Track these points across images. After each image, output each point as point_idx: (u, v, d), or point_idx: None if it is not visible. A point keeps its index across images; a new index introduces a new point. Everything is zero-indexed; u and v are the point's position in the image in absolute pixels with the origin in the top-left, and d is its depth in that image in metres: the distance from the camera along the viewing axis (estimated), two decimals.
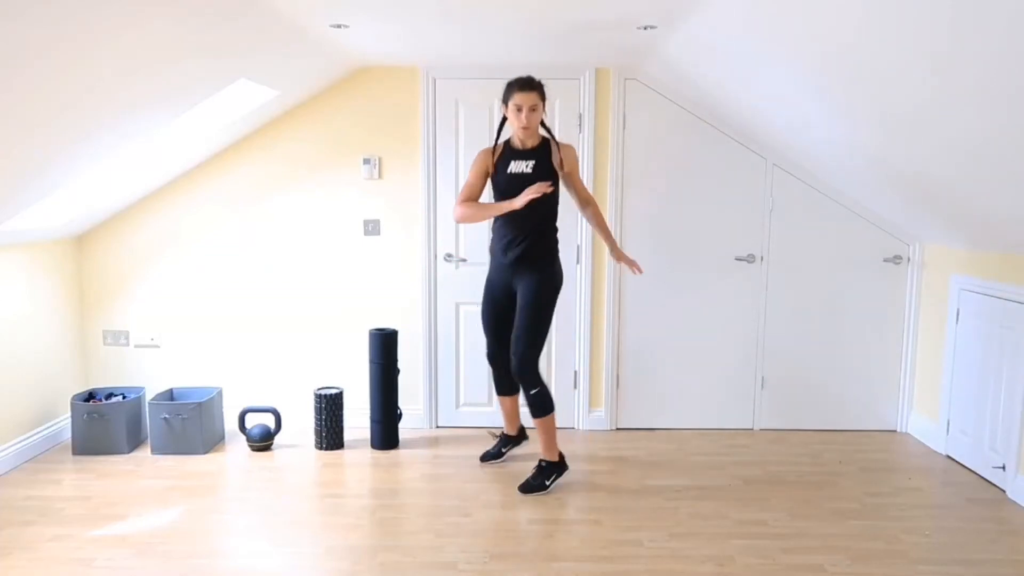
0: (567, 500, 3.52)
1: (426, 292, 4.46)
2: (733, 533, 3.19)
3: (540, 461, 3.63)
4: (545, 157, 3.51)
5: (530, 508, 3.43)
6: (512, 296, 3.61)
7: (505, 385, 3.81)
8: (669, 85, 4.26)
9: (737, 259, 4.45)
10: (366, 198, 4.42)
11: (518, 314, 3.54)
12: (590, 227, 4.27)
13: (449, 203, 4.39)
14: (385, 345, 4.16)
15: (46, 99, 2.58)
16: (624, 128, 4.34)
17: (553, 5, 2.86)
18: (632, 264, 3.68)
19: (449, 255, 4.44)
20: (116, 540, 3.09)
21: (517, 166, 3.49)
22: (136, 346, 4.52)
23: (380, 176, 4.40)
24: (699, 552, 3.02)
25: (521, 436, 4.04)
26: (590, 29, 3.29)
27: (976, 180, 2.98)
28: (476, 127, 4.34)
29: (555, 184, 3.50)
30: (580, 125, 4.33)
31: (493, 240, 3.67)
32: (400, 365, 4.36)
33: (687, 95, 4.26)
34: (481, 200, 3.59)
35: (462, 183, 4.35)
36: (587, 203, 3.71)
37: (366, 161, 4.37)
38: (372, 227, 4.43)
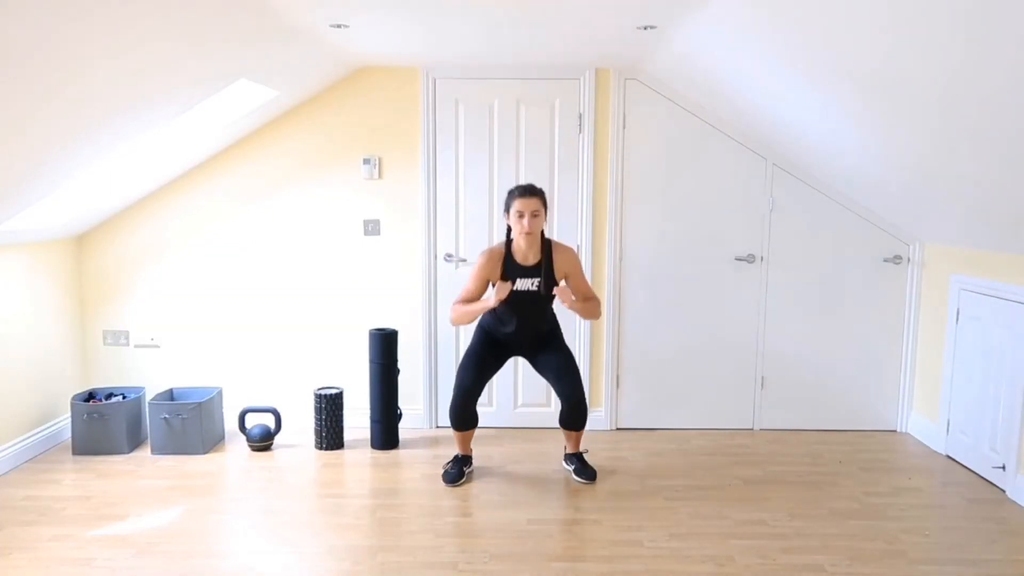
0: (567, 500, 3.52)
1: (426, 292, 4.46)
2: (733, 533, 3.19)
3: (582, 452, 3.87)
4: (548, 272, 3.54)
5: (530, 508, 3.43)
6: (508, 356, 3.75)
7: (473, 419, 3.73)
8: (669, 85, 4.26)
9: (737, 259, 4.45)
10: (366, 198, 4.42)
11: (563, 367, 3.64)
12: (591, 227, 4.32)
13: (449, 203, 4.39)
14: (385, 345, 4.16)
15: (47, 99, 2.58)
16: (624, 128, 4.34)
17: (553, 5, 2.86)
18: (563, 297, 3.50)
19: (449, 255, 4.44)
20: (116, 540, 3.09)
21: (523, 284, 3.53)
22: (136, 346, 4.52)
23: (380, 176, 4.40)
24: (699, 552, 3.02)
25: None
26: (590, 29, 3.29)
27: (980, 181, 2.98)
28: (476, 127, 4.34)
29: (552, 298, 3.59)
30: (580, 125, 4.33)
31: (499, 331, 3.64)
32: (400, 365, 4.37)
33: (687, 95, 4.26)
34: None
35: (462, 183, 4.37)
36: (586, 300, 3.61)
37: (366, 161, 4.37)
38: (372, 227, 4.43)
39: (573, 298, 3.48)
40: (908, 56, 2.35)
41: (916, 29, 2.17)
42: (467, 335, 4.48)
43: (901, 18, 2.16)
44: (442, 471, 3.79)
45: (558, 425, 3.90)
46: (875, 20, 2.25)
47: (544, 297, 3.58)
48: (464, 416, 3.70)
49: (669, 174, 4.38)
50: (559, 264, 3.57)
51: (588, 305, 3.59)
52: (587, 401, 3.72)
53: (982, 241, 3.68)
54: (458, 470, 3.74)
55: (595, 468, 3.80)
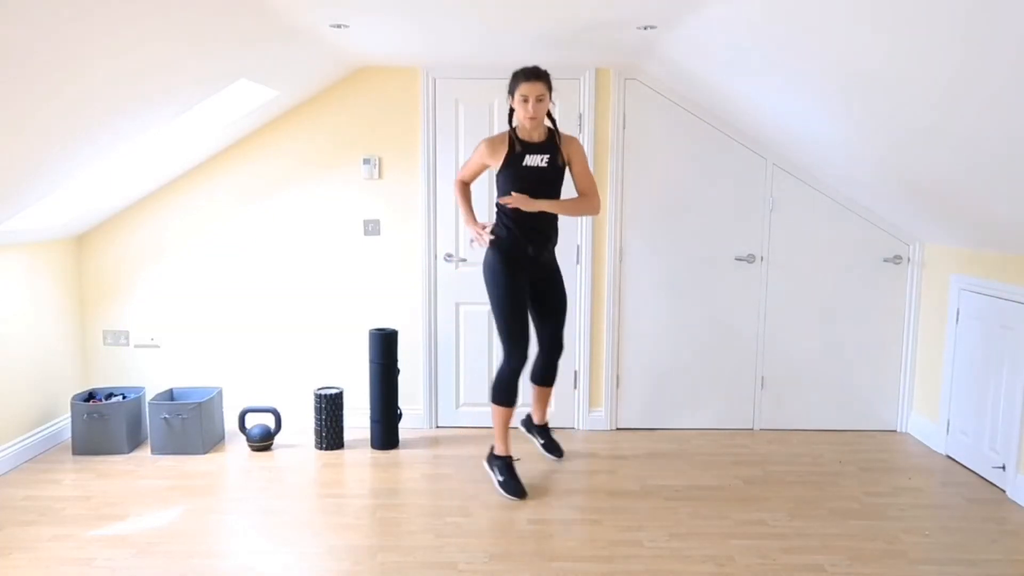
0: (567, 500, 3.52)
1: (426, 292, 4.46)
2: (733, 533, 3.19)
3: (547, 425, 3.94)
4: (555, 150, 3.52)
5: (530, 508, 3.43)
6: (527, 279, 3.62)
7: (517, 391, 3.65)
8: (669, 85, 4.26)
9: (737, 259, 4.45)
10: (366, 198, 4.42)
11: (557, 306, 3.68)
12: (590, 222, 4.33)
13: (449, 203, 4.39)
14: (385, 345, 4.16)
15: (47, 99, 2.58)
16: (624, 128, 4.33)
17: (553, 5, 2.86)
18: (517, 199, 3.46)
19: (449, 255, 4.44)
20: (116, 540, 3.09)
21: (533, 159, 3.48)
22: (136, 346, 4.52)
23: (380, 176, 4.40)
24: (699, 552, 3.02)
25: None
26: (590, 29, 3.29)
27: (982, 183, 2.98)
28: (476, 127, 4.34)
29: (562, 177, 3.58)
30: (580, 125, 4.33)
31: (510, 238, 3.53)
32: (400, 365, 4.36)
33: (687, 95, 4.26)
34: (473, 196, 3.75)
35: None
36: (583, 194, 3.62)
37: (366, 161, 4.37)
38: (372, 227, 4.43)
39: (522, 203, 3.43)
40: (908, 57, 2.35)
41: (915, 31, 2.17)
42: (468, 332, 4.48)
43: (901, 19, 2.16)
44: (500, 482, 3.58)
45: (529, 382, 3.84)
46: (876, 21, 2.25)
47: (555, 174, 3.53)
48: (515, 389, 3.59)
49: (669, 174, 4.38)
50: (564, 147, 3.54)
51: (584, 201, 3.58)
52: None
53: (982, 241, 3.68)
54: (515, 477, 3.56)
55: (563, 450, 3.93)
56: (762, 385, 4.54)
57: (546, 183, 3.51)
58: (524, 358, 3.55)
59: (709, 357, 4.52)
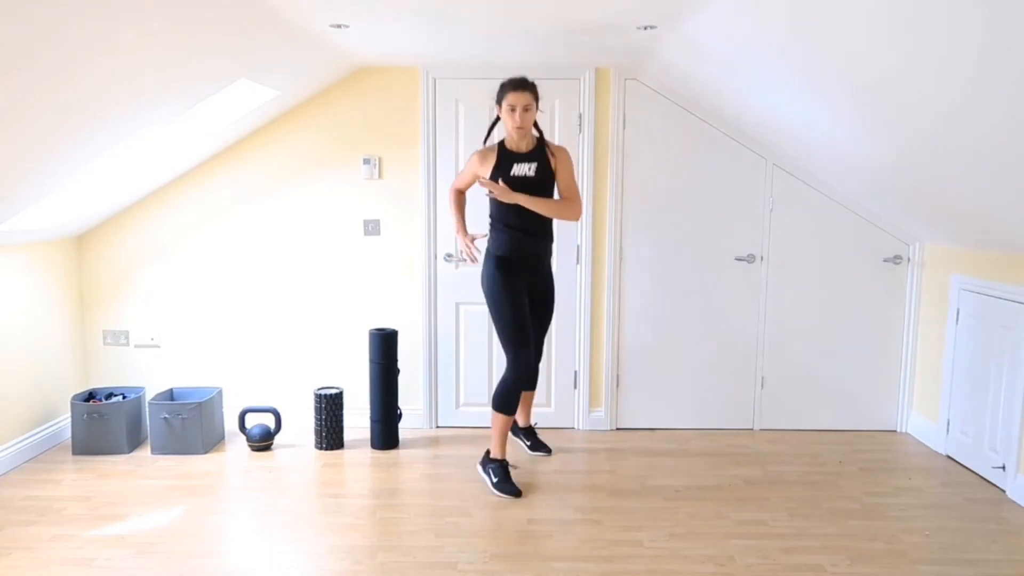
0: (567, 500, 3.52)
1: (426, 292, 4.46)
2: (733, 533, 3.19)
3: (533, 425, 4.11)
4: (543, 159, 3.55)
5: (530, 508, 3.43)
6: (525, 285, 3.67)
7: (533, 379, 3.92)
8: (669, 85, 4.26)
9: (737, 259, 4.45)
10: (366, 198, 4.42)
11: (544, 316, 3.77)
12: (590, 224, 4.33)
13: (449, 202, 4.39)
14: (385, 345, 4.16)
15: (47, 98, 2.58)
16: (624, 128, 4.34)
17: (553, 5, 2.86)
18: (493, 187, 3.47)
19: (449, 255, 4.44)
20: (116, 540, 3.09)
21: (520, 169, 3.52)
22: (136, 346, 4.52)
23: (380, 176, 4.40)
24: (699, 552, 3.02)
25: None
26: (590, 29, 3.29)
27: (991, 188, 2.98)
28: (476, 127, 4.34)
29: (552, 185, 3.61)
30: (580, 125, 4.33)
31: (506, 242, 3.58)
32: (400, 365, 4.37)
33: (687, 95, 4.26)
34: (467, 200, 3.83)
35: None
36: (564, 199, 3.65)
37: (366, 161, 4.37)
38: (372, 227, 4.43)
39: (503, 189, 3.45)
40: (909, 61, 2.35)
41: (916, 34, 2.17)
42: (468, 332, 4.48)
43: (902, 24, 2.15)
44: (494, 483, 3.58)
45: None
46: (879, 27, 2.25)
47: (543, 183, 3.54)
48: (518, 397, 3.60)
49: (669, 174, 4.38)
50: (552, 156, 3.57)
51: (564, 204, 3.58)
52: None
53: (982, 241, 3.68)
54: (510, 479, 3.57)
55: (550, 446, 4.06)
56: (762, 385, 4.54)
57: (533, 191, 3.54)
58: (527, 366, 3.58)
59: (709, 357, 4.52)
